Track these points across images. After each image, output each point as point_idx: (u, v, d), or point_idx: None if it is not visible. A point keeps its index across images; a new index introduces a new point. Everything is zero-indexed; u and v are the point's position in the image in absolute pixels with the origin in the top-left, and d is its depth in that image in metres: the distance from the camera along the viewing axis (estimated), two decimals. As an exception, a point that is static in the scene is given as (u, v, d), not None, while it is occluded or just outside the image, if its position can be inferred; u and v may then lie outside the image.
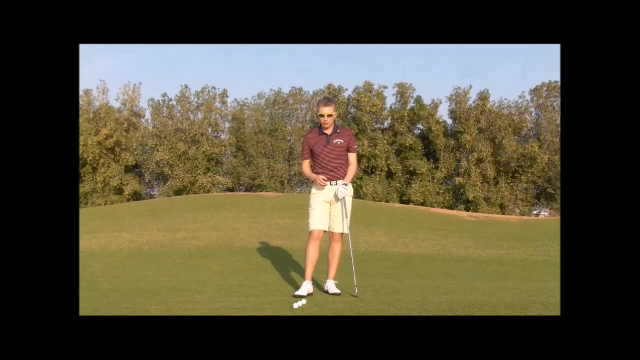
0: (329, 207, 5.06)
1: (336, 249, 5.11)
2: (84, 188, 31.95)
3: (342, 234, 5.09)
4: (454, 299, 4.79)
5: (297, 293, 4.93)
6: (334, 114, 5.02)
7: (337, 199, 4.99)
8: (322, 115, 5.01)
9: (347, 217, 5.04)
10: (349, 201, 5.10)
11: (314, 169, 5.14)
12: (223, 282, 6.26)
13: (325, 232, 5.06)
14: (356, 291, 4.91)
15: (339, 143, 5.03)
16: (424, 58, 63.38)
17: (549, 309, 4.10)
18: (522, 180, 32.69)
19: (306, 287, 4.96)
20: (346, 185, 4.99)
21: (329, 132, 5.05)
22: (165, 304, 4.69)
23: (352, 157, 5.14)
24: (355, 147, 5.18)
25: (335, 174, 5.01)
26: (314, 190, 5.09)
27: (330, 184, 5.00)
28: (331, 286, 5.09)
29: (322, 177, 4.96)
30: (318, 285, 5.39)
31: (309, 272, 5.03)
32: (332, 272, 5.14)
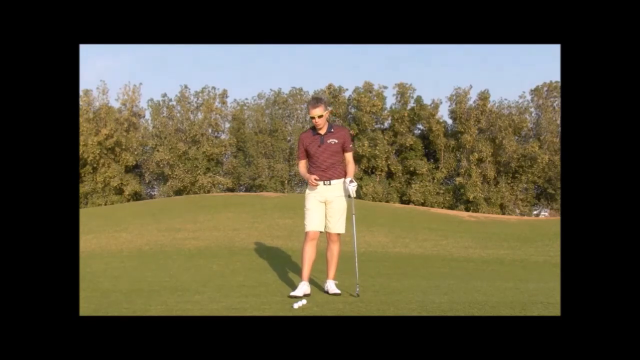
0: (324, 207, 5.03)
1: (334, 250, 5.09)
2: (84, 188, 31.95)
3: (339, 234, 5.07)
4: (454, 299, 4.79)
5: (292, 293, 4.91)
6: (324, 113, 4.93)
7: (349, 197, 4.98)
8: (313, 117, 4.95)
9: (353, 214, 5.04)
10: (350, 200, 5.06)
11: (309, 168, 5.12)
12: (223, 282, 6.26)
13: (322, 232, 5.04)
14: (357, 290, 4.89)
15: (332, 143, 4.99)
16: (424, 58, 63.45)
17: (549, 309, 4.10)
18: (522, 180, 32.71)
19: (302, 288, 4.94)
20: (352, 181, 4.94)
21: (322, 131, 5.00)
22: (165, 304, 4.69)
23: (349, 156, 5.09)
24: (351, 145, 5.11)
25: (329, 174, 4.97)
26: (308, 190, 5.07)
27: (324, 184, 4.97)
28: (331, 286, 5.09)
29: (314, 176, 4.94)
30: (317, 285, 5.39)
31: (306, 272, 5.02)
32: (332, 272, 5.13)
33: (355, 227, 5.10)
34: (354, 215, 5.07)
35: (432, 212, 20.59)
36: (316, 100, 5.01)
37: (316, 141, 5.01)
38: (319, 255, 5.09)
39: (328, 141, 4.99)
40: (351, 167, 5.07)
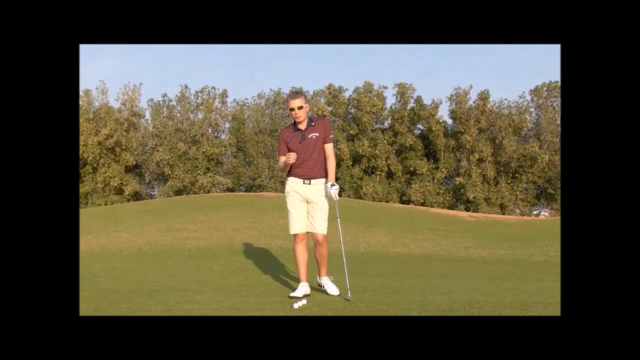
0: (306, 207, 4.91)
1: (323, 252, 4.95)
2: (84, 188, 31.98)
3: (324, 234, 4.91)
4: (454, 299, 4.79)
5: (292, 294, 4.90)
6: (304, 105, 4.80)
7: (332, 200, 4.86)
8: (292, 109, 4.79)
9: (337, 217, 4.94)
10: (332, 201, 4.92)
11: (290, 166, 4.94)
12: (223, 282, 6.26)
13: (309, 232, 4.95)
14: (349, 294, 4.75)
15: (314, 137, 4.83)
16: (424, 58, 63.55)
17: (549, 309, 4.10)
18: (522, 180, 32.74)
19: (302, 289, 4.93)
20: (333, 185, 4.82)
21: (303, 126, 4.86)
22: (165, 304, 4.69)
23: (329, 149, 4.90)
24: (331, 136, 4.93)
25: (309, 172, 4.84)
26: (287, 189, 4.93)
27: (304, 182, 4.85)
28: (327, 283, 5.05)
29: (292, 154, 4.76)
30: (316, 286, 5.38)
31: (302, 273, 5.00)
32: (323, 270, 5.05)
33: (341, 229, 4.97)
34: (338, 219, 4.95)
35: (432, 212, 20.60)
36: (296, 93, 4.90)
37: (297, 137, 4.85)
38: (311, 256, 5.02)
39: (309, 136, 4.83)
40: (331, 163, 4.89)
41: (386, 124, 34.54)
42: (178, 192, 32.42)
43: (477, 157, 31.71)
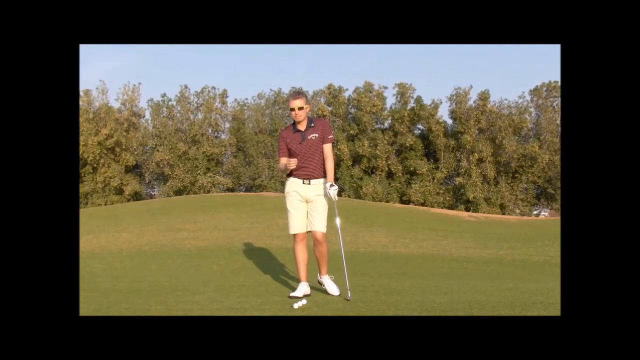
0: (306, 206, 4.91)
1: (322, 249, 4.95)
2: (84, 188, 32.01)
3: (324, 233, 4.90)
4: (454, 299, 4.79)
5: (292, 294, 4.90)
6: (305, 106, 4.81)
7: (331, 200, 4.85)
8: (293, 109, 4.79)
9: (336, 217, 4.92)
10: (331, 201, 4.92)
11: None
12: (223, 282, 6.26)
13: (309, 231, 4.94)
14: (349, 295, 4.75)
15: (314, 138, 4.84)
16: (424, 58, 63.59)
17: (549, 309, 4.09)
18: (522, 180, 32.77)
19: (302, 289, 4.93)
20: (332, 185, 4.82)
21: (302, 127, 4.85)
22: (165, 304, 4.69)
23: (327, 149, 4.88)
24: (331, 136, 4.92)
25: (309, 173, 4.84)
26: (287, 189, 4.94)
27: (303, 183, 4.86)
28: (327, 282, 5.05)
29: (293, 160, 4.76)
30: (317, 285, 5.38)
31: (302, 273, 4.99)
32: (324, 268, 5.05)
33: (340, 230, 4.96)
34: (337, 218, 4.94)
35: (432, 212, 20.61)
36: (297, 93, 4.92)
37: (297, 138, 4.85)
38: (311, 256, 5.03)
39: (309, 137, 4.84)
40: (330, 164, 4.87)
41: (386, 124, 34.57)
42: (178, 192, 32.44)
43: (477, 157, 31.75)
